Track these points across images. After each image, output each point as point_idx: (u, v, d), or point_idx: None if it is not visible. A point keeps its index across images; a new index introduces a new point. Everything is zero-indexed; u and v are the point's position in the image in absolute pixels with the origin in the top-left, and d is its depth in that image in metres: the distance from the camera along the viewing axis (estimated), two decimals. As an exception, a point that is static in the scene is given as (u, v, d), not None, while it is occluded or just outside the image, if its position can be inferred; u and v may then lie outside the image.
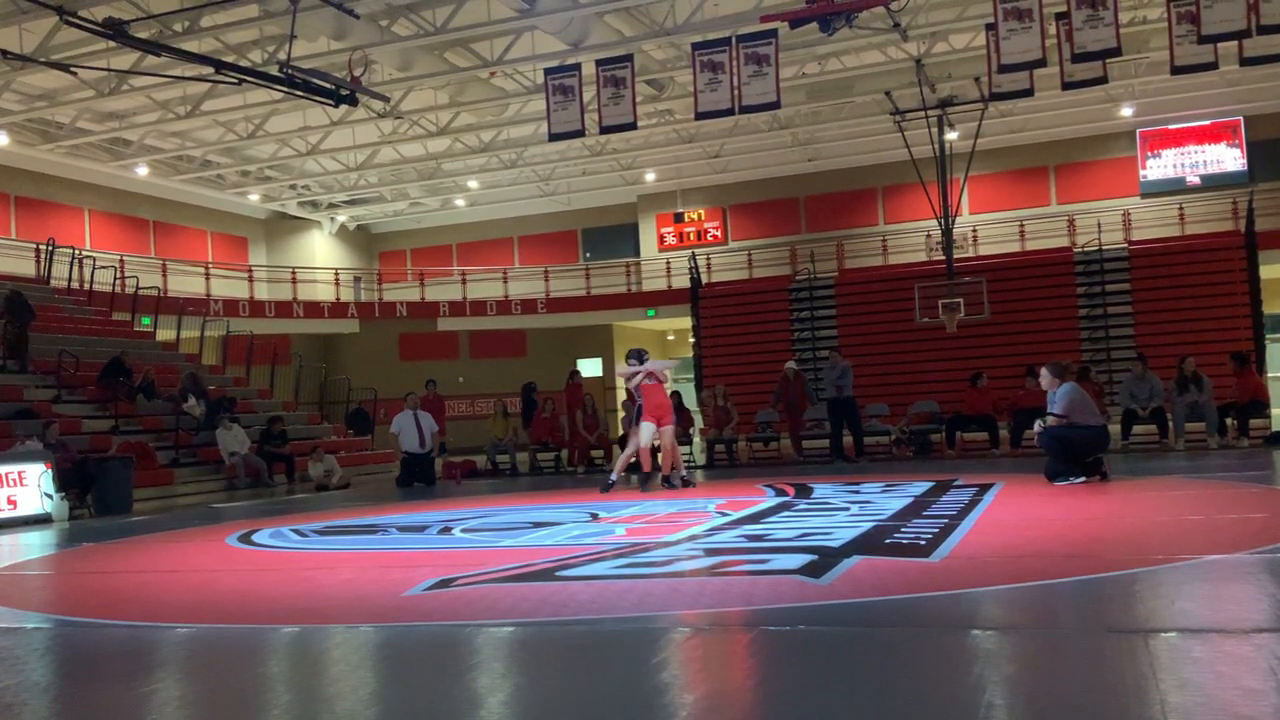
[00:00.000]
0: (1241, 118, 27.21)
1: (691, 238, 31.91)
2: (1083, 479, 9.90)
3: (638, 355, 12.36)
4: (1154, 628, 4.19)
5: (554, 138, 17.86)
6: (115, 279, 23.91)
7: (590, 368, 30.10)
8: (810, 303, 25.98)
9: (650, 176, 30.96)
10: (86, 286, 23.33)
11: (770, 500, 10.04)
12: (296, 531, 9.72)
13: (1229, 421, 15.02)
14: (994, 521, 7.69)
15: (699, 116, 17.18)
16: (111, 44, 15.35)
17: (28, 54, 17.14)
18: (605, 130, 17.73)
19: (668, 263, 30.70)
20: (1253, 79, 23.83)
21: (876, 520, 7.93)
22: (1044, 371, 10.67)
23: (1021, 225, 28.22)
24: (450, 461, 17.70)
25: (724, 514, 9.05)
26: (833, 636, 4.38)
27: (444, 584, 6.09)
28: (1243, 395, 15.10)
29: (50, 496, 12.86)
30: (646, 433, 11.83)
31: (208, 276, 28.57)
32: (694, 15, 18.85)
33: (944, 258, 23.03)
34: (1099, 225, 26.28)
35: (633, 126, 17.63)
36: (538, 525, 9.01)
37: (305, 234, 33.58)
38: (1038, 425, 10.26)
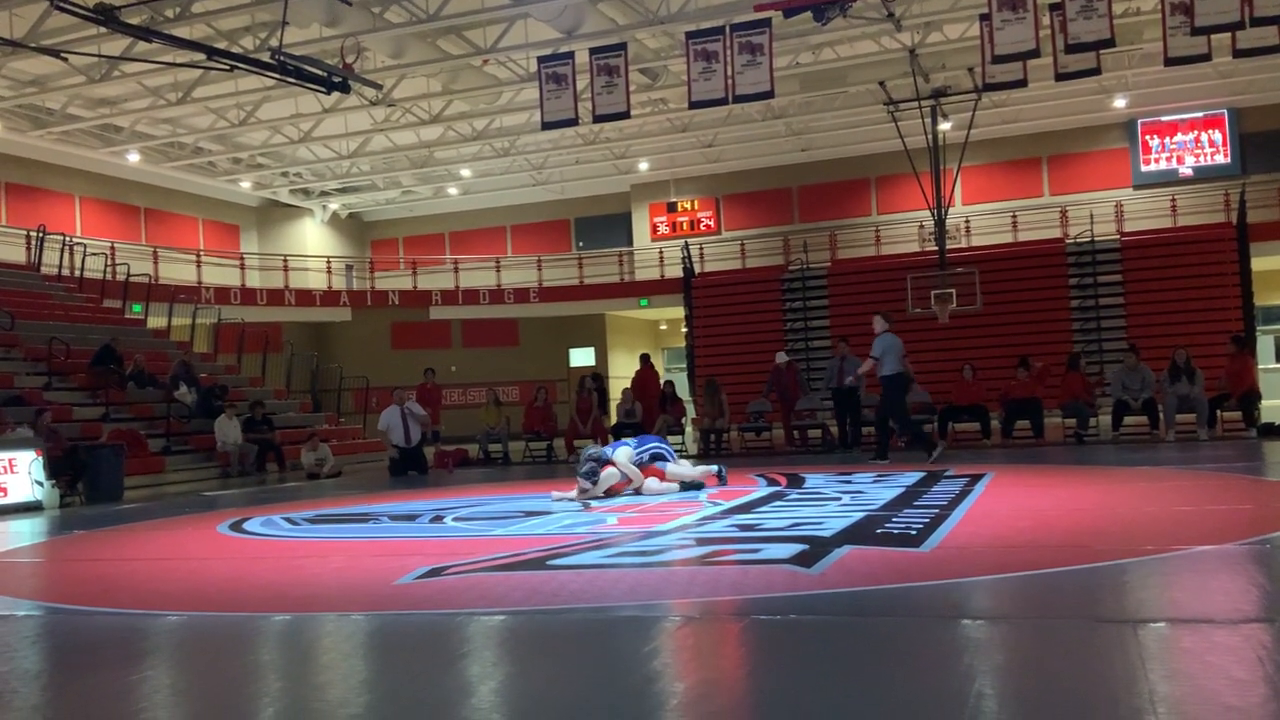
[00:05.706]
0: (1234, 110, 27.25)
1: (684, 227, 31.85)
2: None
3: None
4: (1143, 618, 4.21)
5: (547, 126, 17.79)
6: (106, 266, 23.78)
7: (582, 357, 30.10)
8: (803, 293, 26.00)
9: (643, 166, 30.89)
10: (77, 273, 23.25)
11: (762, 490, 10.04)
12: (288, 520, 9.70)
13: (1220, 413, 15.06)
14: (985, 512, 7.71)
15: (693, 106, 17.14)
16: (102, 29, 15.25)
17: (18, 39, 17.04)
18: (598, 119, 17.66)
19: (661, 252, 30.67)
20: (1245, 71, 23.85)
21: (868, 510, 7.94)
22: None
23: (1014, 216, 28.24)
24: (442, 450, 17.66)
25: (715, 503, 9.05)
26: (823, 626, 4.39)
27: (435, 573, 6.09)
28: (1238, 380, 15.10)
29: (41, 484, 12.82)
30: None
31: (199, 264, 28.48)
32: (688, 4, 18.80)
33: (937, 248, 23.05)
34: (1091, 216, 26.32)
35: (626, 115, 17.56)
36: (529, 514, 9.00)
37: (297, 222, 33.48)
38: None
